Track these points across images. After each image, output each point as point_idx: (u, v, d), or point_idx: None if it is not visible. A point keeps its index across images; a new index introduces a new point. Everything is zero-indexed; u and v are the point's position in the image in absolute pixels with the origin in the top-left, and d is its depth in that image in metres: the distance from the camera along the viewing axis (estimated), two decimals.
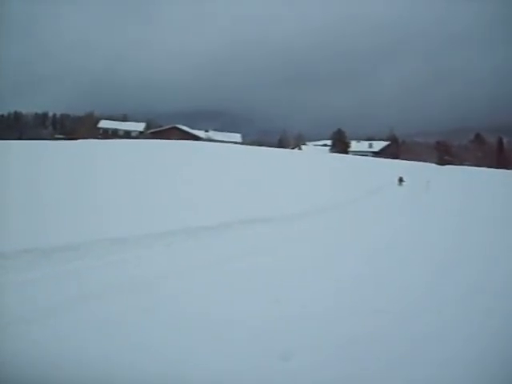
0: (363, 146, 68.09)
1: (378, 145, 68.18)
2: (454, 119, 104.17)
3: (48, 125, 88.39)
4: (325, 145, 70.93)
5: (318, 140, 75.66)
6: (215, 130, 65.52)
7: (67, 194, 8.69)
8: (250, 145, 54.89)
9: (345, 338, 3.39)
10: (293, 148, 65.32)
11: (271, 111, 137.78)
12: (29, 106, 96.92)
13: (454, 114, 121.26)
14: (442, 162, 53.86)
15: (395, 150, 64.84)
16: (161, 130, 61.61)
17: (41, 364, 2.77)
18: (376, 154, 62.25)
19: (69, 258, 4.92)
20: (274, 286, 4.62)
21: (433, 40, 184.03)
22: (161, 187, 11.40)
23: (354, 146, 68.24)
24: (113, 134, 62.30)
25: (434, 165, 47.52)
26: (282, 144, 71.01)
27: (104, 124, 68.38)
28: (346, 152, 62.20)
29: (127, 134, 64.03)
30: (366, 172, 25.73)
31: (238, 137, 64.48)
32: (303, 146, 69.02)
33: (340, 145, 66.76)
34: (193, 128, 63.50)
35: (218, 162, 22.34)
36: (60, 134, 67.77)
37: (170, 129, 60.09)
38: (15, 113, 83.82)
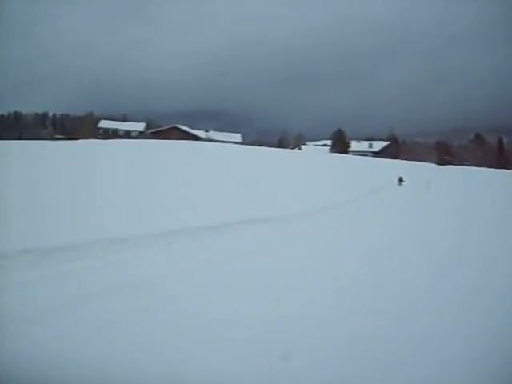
0: (363, 146, 68.08)
1: (378, 145, 68.16)
2: (453, 119, 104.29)
3: (48, 125, 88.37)
4: (325, 145, 70.91)
5: (318, 140, 75.66)
6: (215, 130, 65.58)
7: (67, 194, 8.69)
8: (250, 145, 54.87)
9: (345, 338, 3.40)
10: (293, 148, 65.30)
11: (271, 111, 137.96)
12: (29, 106, 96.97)
13: (453, 113, 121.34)
14: (441, 161, 53.83)
15: (395, 150, 64.83)
16: (161, 130, 61.61)
17: (41, 364, 2.77)
18: (376, 154, 62.24)
19: (69, 257, 4.93)
20: (273, 286, 4.62)
21: (433, 40, 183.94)
22: (161, 187, 11.40)
23: (354, 146, 68.22)
24: (113, 134, 62.27)
25: (433, 165, 47.47)
26: (282, 144, 71.01)
27: (104, 124, 68.43)
28: (346, 152, 62.18)
29: (127, 134, 64.05)
30: (365, 172, 25.73)
31: (237, 137, 64.48)
32: (303, 146, 69.00)
33: (340, 145, 66.75)
34: (193, 128, 63.54)
35: (218, 161, 22.33)
36: (60, 134, 67.80)
37: (169, 129, 60.08)
38: (15, 113, 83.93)
